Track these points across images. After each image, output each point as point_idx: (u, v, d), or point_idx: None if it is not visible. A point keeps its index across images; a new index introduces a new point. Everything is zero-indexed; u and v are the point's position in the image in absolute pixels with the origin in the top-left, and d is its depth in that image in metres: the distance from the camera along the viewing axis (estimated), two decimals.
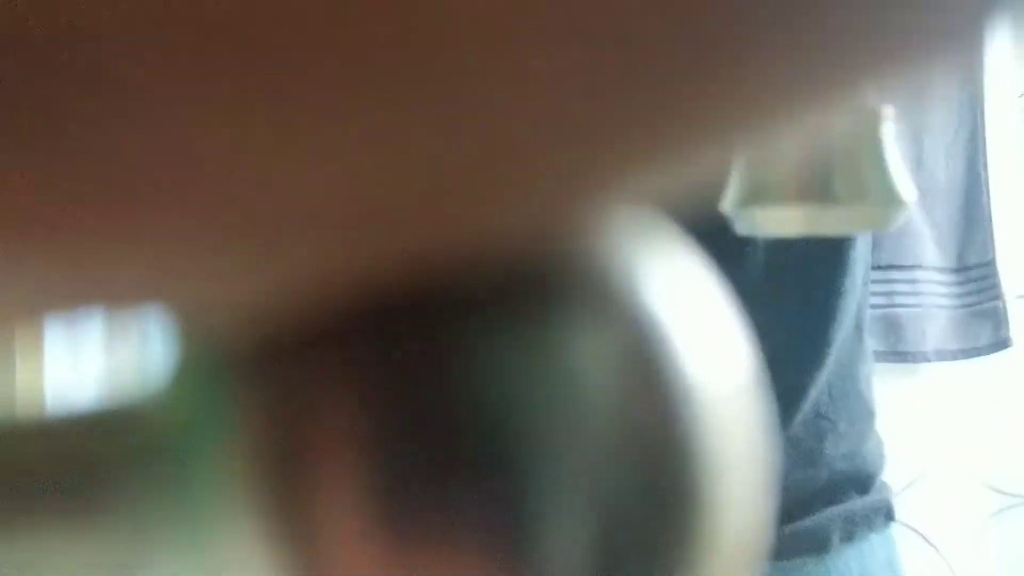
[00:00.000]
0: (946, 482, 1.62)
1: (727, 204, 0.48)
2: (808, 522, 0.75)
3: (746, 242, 0.66)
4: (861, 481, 0.79)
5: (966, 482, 1.63)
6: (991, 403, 1.65)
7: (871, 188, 0.44)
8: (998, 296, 1.62)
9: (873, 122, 0.44)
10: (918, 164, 1.59)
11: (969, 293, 1.62)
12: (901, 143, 0.48)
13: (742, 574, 0.18)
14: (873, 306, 1.59)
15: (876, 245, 1.58)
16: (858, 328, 0.79)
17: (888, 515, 0.79)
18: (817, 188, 0.45)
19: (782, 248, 0.69)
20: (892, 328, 1.60)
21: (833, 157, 0.45)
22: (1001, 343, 1.61)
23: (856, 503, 0.78)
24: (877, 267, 1.58)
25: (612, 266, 0.18)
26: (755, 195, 0.48)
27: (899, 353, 1.60)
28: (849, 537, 0.76)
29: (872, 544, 0.78)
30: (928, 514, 1.61)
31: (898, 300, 1.60)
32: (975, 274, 1.62)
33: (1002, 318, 1.61)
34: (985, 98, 1.64)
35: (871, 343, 0.78)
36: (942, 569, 1.59)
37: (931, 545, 1.60)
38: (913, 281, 1.60)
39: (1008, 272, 1.64)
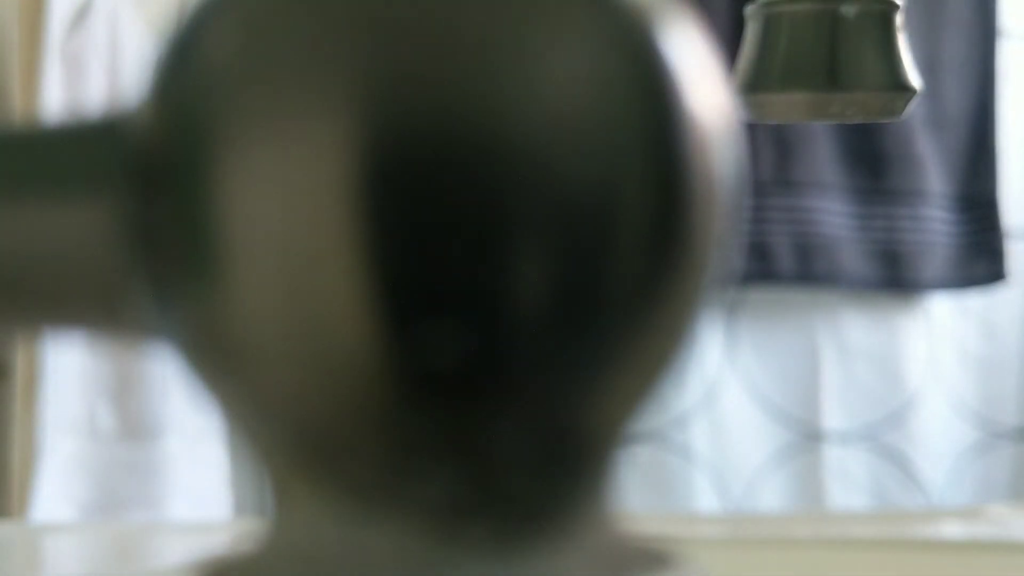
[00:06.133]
0: (929, 411, 1.63)
1: (733, 90, 0.48)
2: None
3: None
4: None
5: (950, 412, 1.64)
6: (981, 336, 1.66)
7: (877, 74, 0.44)
8: (997, 228, 1.61)
9: (881, 8, 0.44)
10: (928, 92, 1.58)
11: (969, 223, 1.62)
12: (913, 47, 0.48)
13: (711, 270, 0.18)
14: (873, 233, 1.59)
15: (881, 171, 1.58)
16: None
17: None
18: (823, 74, 0.45)
19: None
20: (890, 256, 1.59)
21: (840, 42, 0.45)
22: (996, 276, 1.61)
23: None
24: (881, 193, 1.58)
25: None
26: (760, 81, 0.48)
27: (895, 281, 1.60)
28: None
29: None
30: (908, 441, 1.62)
31: (898, 227, 1.59)
32: (976, 204, 1.62)
33: (999, 251, 1.61)
34: (998, 30, 1.63)
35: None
36: (916, 496, 1.61)
37: (906, 472, 1.61)
38: (913, 206, 1.60)
39: (1007, 207, 1.64)
